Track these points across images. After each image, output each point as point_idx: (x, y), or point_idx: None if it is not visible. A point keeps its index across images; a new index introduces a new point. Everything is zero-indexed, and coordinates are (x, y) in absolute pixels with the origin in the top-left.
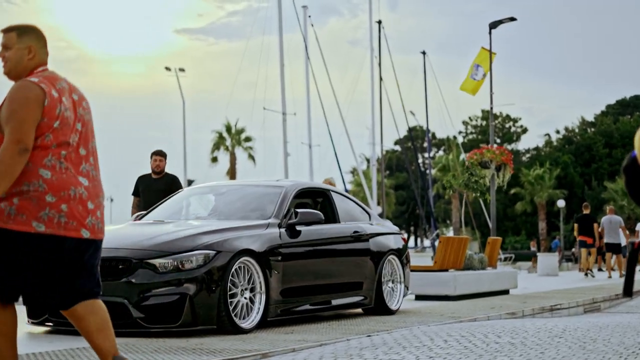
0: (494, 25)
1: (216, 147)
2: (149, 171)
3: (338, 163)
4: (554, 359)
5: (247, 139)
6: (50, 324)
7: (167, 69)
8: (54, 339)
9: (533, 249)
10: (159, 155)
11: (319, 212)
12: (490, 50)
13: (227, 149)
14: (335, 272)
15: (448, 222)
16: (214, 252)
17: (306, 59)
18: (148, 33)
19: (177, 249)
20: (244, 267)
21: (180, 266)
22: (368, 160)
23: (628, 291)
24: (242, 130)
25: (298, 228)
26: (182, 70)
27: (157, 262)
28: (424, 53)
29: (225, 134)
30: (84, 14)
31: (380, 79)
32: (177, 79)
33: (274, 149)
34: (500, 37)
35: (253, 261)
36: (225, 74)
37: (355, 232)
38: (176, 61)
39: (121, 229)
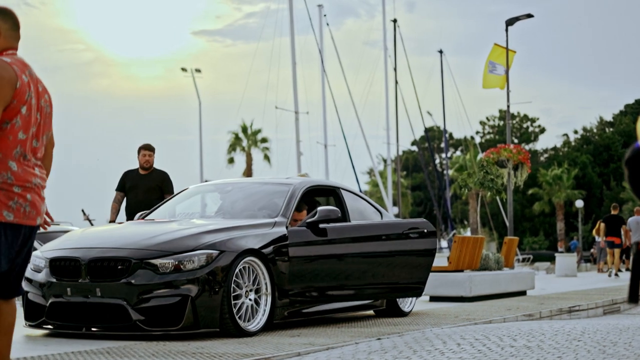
0: (510, 22)
1: (232, 148)
2: (136, 166)
3: (352, 163)
4: None
5: (264, 140)
6: (49, 326)
7: (184, 69)
8: (50, 342)
9: (561, 249)
10: (148, 149)
11: (336, 208)
12: (507, 48)
13: (243, 149)
14: (347, 273)
15: (465, 222)
16: (217, 251)
17: (320, 57)
18: (166, 35)
19: (178, 248)
20: (248, 267)
21: (181, 266)
22: (385, 161)
23: (633, 297)
24: (258, 131)
25: (322, 226)
26: (198, 71)
27: (157, 262)
28: (441, 52)
29: (241, 135)
30: (102, 16)
31: (396, 82)
32: (193, 79)
33: (288, 149)
34: (517, 37)
35: (258, 261)
36: (243, 76)
37: (412, 228)
38: (194, 63)
39: (120, 227)
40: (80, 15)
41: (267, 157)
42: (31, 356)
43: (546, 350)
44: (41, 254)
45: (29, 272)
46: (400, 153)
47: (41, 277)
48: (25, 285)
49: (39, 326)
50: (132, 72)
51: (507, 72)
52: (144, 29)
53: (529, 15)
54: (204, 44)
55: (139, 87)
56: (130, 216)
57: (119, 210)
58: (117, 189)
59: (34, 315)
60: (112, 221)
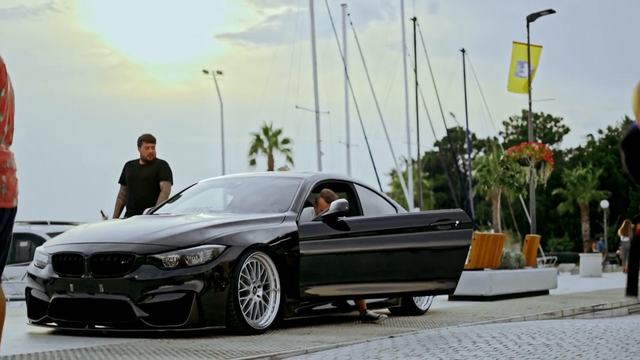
0: (532, 18)
1: (254, 149)
2: (137, 157)
3: (373, 163)
4: None
5: (285, 141)
6: (52, 323)
7: (205, 72)
8: (52, 340)
9: (595, 250)
10: (151, 142)
11: (344, 200)
12: (528, 44)
13: (264, 151)
14: (367, 269)
15: (489, 224)
16: (224, 246)
17: (344, 56)
18: (189, 39)
19: (183, 243)
20: (256, 262)
21: (186, 261)
22: (407, 162)
23: (633, 289)
24: (279, 132)
25: (342, 219)
26: (219, 72)
27: (161, 257)
28: (463, 51)
29: (262, 137)
30: (126, 20)
31: (416, 82)
32: (214, 81)
33: (309, 150)
34: (538, 35)
35: (266, 257)
36: (265, 79)
37: (441, 219)
38: (217, 66)
39: (124, 222)
40: (105, 20)
41: (289, 158)
42: (28, 353)
43: (565, 348)
44: (44, 249)
45: (32, 269)
46: (423, 154)
47: (44, 273)
48: (28, 282)
49: (42, 323)
50: (156, 76)
51: (528, 67)
52: (168, 33)
53: (551, 11)
54: (227, 48)
55: (162, 91)
56: (129, 208)
57: (122, 206)
58: (120, 182)
59: (37, 312)
60: (116, 218)
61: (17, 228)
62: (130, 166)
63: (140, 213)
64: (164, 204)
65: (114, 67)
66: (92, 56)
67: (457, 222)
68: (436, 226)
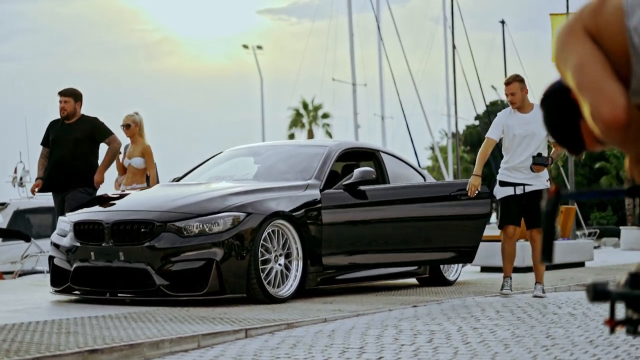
0: None
1: (293, 124)
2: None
3: (410, 135)
4: None
5: (325, 116)
6: (74, 292)
7: (245, 46)
8: (72, 308)
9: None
10: (64, 95)
11: (371, 169)
12: (567, 13)
13: (303, 126)
14: (387, 238)
15: None
16: (244, 214)
17: (377, 17)
18: (232, 14)
19: (203, 210)
20: (278, 231)
21: (206, 229)
22: (447, 135)
23: (547, 254)
24: (319, 107)
25: (361, 188)
26: (259, 47)
27: (181, 224)
28: (502, 22)
29: (302, 111)
30: None
31: (454, 45)
32: (254, 56)
33: (345, 123)
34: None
35: (288, 225)
36: (306, 53)
37: (461, 189)
38: (259, 41)
39: (146, 191)
40: None
41: (328, 133)
42: (45, 320)
43: (591, 318)
44: (67, 218)
45: (55, 237)
46: (464, 128)
47: (66, 241)
48: (51, 251)
49: (64, 292)
50: (199, 51)
51: None
52: (211, 8)
53: None
54: (269, 23)
55: (205, 66)
56: (50, 173)
57: (45, 165)
58: (42, 144)
59: (59, 281)
60: (40, 177)
61: None
62: (54, 126)
63: (60, 176)
64: (187, 173)
65: (158, 43)
66: (137, 32)
67: (477, 191)
68: (456, 196)
